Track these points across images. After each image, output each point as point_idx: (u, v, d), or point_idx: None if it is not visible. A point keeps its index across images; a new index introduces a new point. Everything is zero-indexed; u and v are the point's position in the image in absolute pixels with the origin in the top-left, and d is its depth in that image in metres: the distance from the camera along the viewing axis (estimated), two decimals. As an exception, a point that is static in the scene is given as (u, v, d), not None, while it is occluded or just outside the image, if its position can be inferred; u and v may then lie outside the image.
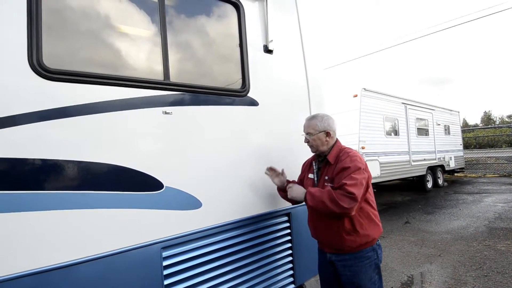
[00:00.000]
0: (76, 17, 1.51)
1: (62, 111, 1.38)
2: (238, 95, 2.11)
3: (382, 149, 6.81)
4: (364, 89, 6.74)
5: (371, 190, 1.87)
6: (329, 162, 1.90)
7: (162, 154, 1.71)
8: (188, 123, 1.83)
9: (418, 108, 8.77)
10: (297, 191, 1.88)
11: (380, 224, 1.90)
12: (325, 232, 1.88)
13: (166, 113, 1.73)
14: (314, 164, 2.05)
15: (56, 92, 1.38)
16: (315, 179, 1.98)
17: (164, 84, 1.74)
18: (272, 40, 2.35)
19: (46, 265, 1.30)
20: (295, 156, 2.49)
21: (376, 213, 1.89)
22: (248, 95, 2.18)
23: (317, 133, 1.93)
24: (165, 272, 1.66)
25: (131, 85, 1.60)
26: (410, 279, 3.37)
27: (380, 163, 6.75)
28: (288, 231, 2.38)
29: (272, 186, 2.26)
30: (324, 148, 1.93)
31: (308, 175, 2.08)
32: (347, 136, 6.65)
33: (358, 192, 1.65)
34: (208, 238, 1.87)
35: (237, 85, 2.15)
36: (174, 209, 1.72)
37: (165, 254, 1.67)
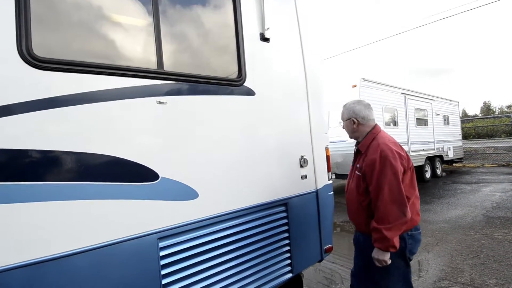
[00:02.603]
0: (66, 5, 1.47)
1: (53, 101, 1.36)
2: (234, 84, 2.08)
3: (381, 140, 6.80)
4: (363, 79, 6.69)
5: (408, 178, 1.83)
6: (359, 150, 1.95)
7: (157, 145, 1.69)
8: (183, 113, 1.80)
9: (417, 98, 8.73)
10: (378, 254, 1.72)
11: (416, 216, 1.86)
12: (352, 215, 2.02)
13: (160, 102, 1.70)
14: (355, 149, 2.08)
15: (47, 81, 1.35)
16: (352, 165, 2.06)
17: (157, 73, 1.71)
18: (268, 28, 2.30)
19: (40, 256, 1.29)
20: (293, 146, 2.47)
21: (414, 204, 1.86)
22: (245, 84, 2.15)
23: (345, 120, 2.03)
24: (162, 262, 1.66)
25: (124, 74, 1.57)
26: (407, 267, 3.39)
27: (379, 154, 6.74)
28: (286, 221, 2.38)
29: (269, 176, 2.26)
30: (356, 134, 1.99)
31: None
32: (346, 126, 6.64)
33: (397, 192, 1.67)
34: (205, 229, 1.87)
35: (233, 74, 2.12)
36: (170, 200, 1.71)
37: (161, 244, 1.67)
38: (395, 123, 7.74)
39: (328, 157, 2.82)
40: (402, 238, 1.77)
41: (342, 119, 2.07)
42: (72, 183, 1.38)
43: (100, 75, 1.50)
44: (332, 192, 2.85)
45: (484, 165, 12.83)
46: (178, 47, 1.87)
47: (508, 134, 13.35)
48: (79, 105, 1.42)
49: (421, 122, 8.91)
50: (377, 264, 1.74)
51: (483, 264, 3.30)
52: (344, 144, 6.57)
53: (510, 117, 12.99)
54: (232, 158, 2.03)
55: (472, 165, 13.15)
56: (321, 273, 3.51)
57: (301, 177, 2.53)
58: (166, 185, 1.69)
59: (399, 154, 1.77)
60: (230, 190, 2.01)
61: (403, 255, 1.80)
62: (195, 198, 1.82)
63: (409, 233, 1.82)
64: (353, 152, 2.12)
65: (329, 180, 2.81)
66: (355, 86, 6.61)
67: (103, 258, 1.47)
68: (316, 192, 2.64)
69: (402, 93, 7.98)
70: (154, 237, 1.65)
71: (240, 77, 2.12)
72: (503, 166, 12.02)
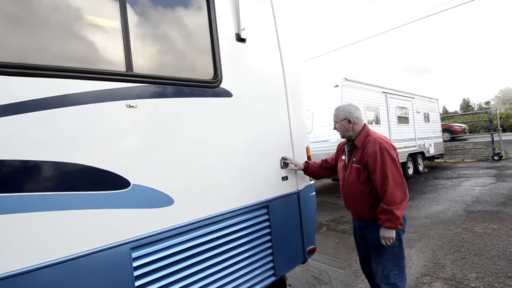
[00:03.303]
0: (27, 4, 1.38)
1: (11, 107, 1.27)
2: (209, 86, 2.03)
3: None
4: (345, 78, 6.75)
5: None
6: (356, 146, 2.18)
7: (128, 150, 1.61)
8: (155, 117, 1.74)
9: (398, 96, 8.90)
10: (388, 232, 1.97)
11: None
12: (353, 205, 2.24)
13: (130, 106, 1.63)
14: (346, 147, 2.33)
15: (5, 86, 1.26)
16: (346, 160, 2.29)
17: (126, 76, 1.64)
18: (244, 29, 2.27)
19: (5, 272, 1.20)
20: (273, 147, 2.44)
21: None
22: (221, 86, 2.10)
23: (340, 121, 2.24)
24: (136, 273, 1.59)
25: (89, 77, 1.49)
26: (391, 265, 3.41)
27: (362, 152, 6.82)
28: (267, 223, 2.34)
29: (249, 178, 2.22)
30: (349, 133, 2.23)
31: (341, 157, 2.40)
32: (329, 126, 6.67)
33: (399, 178, 1.98)
34: (181, 236, 1.80)
35: (209, 76, 2.07)
36: (143, 208, 1.64)
37: (134, 254, 1.60)
38: (377, 121, 7.86)
39: (309, 158, 2.80)
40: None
41: (337, 120, 2.27)
42: (34, 194, 1.30)
43: (61, 78, 1.41)
44: (314, 193, 2.83)
45: (464, 160, 13.21)
46: (148, 49, 1.80)
47: (487, 130, 13.78)
48: (38, 111, 1.33)
49: (403, 120, 9.08)
50: (385, 242, 1.98)
51: (464, 258, 3.36)
52: (328, 144, 6.61)
53: (488, 113, 13.42)
54: (209, 161, 1.98)
55: (452, 161, 13.52)
56: (309, 273, 3.49)
57: (282, 179, 2.50)
58: (138, 193, 1.62)
59: (393, 145, 2.10)
60: (208, 195, 1.96)
61: (398, 235, 2.04)
62: (170, 205, 1.75)
63: None
64: (341, 150, 2.40)
65: (310, 181, 2.79)
66: (337, 86, 6.66)
67: (72, 272, 1.38)
68: (298, 193, 2.62)
69: (383, 92, 8.11)
70: (126, 247, 1.57)
71: (216, 78, 2.07)
72: (482, 160, 12.41)
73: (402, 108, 9.15)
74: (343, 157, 2.35)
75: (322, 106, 6.96)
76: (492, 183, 7.34)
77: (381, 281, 2.09)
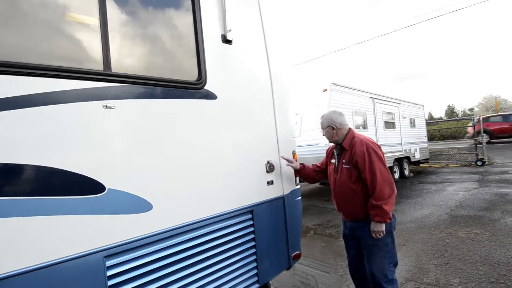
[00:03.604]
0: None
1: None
2: (193, 87, 1.98)
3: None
4: (334, 83, 6.79)
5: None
6: (344, 148, 2.30)
7: (104, 153, 1.53)
8: (134, 118, 1.66)
9: (385, 102, 9.01)
10: (377, 226, 2.08)
11: None
12: (345, 206, 2.32)
13: (107, 107, 1.56)
14: (334, 151, 2.45)
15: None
16: (336, 163, 2.40)
17: (104, 75, 1.57)
18: (230, 30, 2.22)
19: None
20: (258, 151, 2.39)
21: None
22: (205, 87, 2.04)
23: (325, 128, 2.37)
24: (110, 282, 1.51)
25: (63, 75, 1.42)
26: (376, 270, 3.41)
27: (350, 156, 6.85)
28: (252, 229, 2.29)
29: (233, 183, 2.16)
30: (336, 138, 2.35)
31: (330, 160, 2.50)
32: (318, 130, 6.68)
33: (386, 174, 2.10)
34: (161, 243, 1.73)
35: (193, 76, 2.01)
36: (118, 213, 1.56)
37: (109, 263, 1.52)
38: (364, 126, 7.93)
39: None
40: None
41: (322, 127, 2.40)
42: (3, 198, 1.21)
43: (33, 76, 1.33)
44: (300, 197, 2.80)
45: (449, 165, 13.48)
46: (129, 47, 1.73)
47: (470, 136, 14.12)
48: (4, 111, 1.25)
49: (389, 125, 9.20)
50: (375, 235, 2.09)
51: (447, 263, 3.38)
52: (317, 148, 6.62)
53: (472, 119, 13.76)
54: (191, 165, 1.91)
55: (437, 166, 13.77)
56: (296, 277, 3.45)
57: (268, 183, 2.45)
58: (114, 197, 1.54)
59: (378, 145, 2.23)
60: (190, 200, 1.89)
61: (390, 233, 2.15)
62: (148, 210, 1.68)
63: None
64: (330, 153, 2.53)
65: (296, 185, 2.75)
66: (325, 90, 6.69)
67: (41, 282, 1.30)
68: (283, 198, 2.57)
69: (370, 97, 8.20)
70: (100, 255, 1.49)
71: (200, 80, 2.02)
72: (466, 166, 12.69)
73: (389, 113, 9.27)
74: (333, 161, 2.44)
75: (311, 110, 6.98)
76: (475, 188, 7.49)
77: (381, 279, 2.14)
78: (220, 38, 2.19)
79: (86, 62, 1.53)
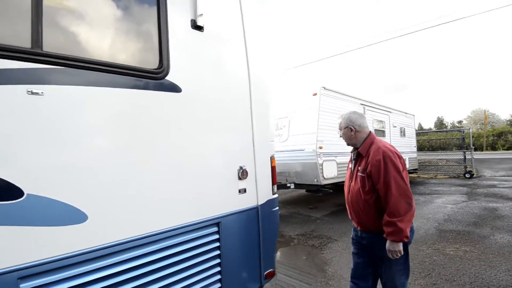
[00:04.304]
0: None
1: None
2: (151, 76, 1.68)
3: (340, 149, 6.68)
4: (324, 87, 6.57)
5: (405, 175, 1.95)
6: (361, 154, 2.10)
7: (23, 149, 1.23)
8: (69, 109, 1.36)
9: (376, 109, 8.85)
10: (393, 245, 1.85)
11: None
12: (358, 216, 2.11)
13: (32, 93, 1.26)
14: (352, 155, 2.26)
15: None
16: (352, 168, 2.19)
17: (31, 54, 1.27)
18: (202, 15, 1.94)
19: None
20: (230, 155, 2.11)
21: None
22: (167, 78, 1.76)
23: (343, 129, 2.19)
24: (22, 312, 1.20)
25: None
26: (359, 288, 3.14)
27: (338, 163, 6.62)
28: (217, 244, 2.00)
29: (197, 191, 1.88)
30: (354, 141, 2.16)
31: (349, 165, 2.29)
32: (306, 135, 6.44)
33: (403, 187, 1.85)
34: (98, 261, 1.43)
35: (152, 64, 1.72)
36: (41, 225, 1.26)
37: (24, 286, 1.21)
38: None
39: (273, 168, 2.49)
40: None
41: (340, 128, 2.22)
42: None
43: None
44: (277, 208, 2.52)
45: (437, 176, 13.43)
46: (68, 22, 1.43)
47: (459, 147, 14.12)
48: None
49: (379, 133, 9.02)
50: (392, 256, 1.86)
51: (434, 284, 3.14)
52: (303, 153, 6.37)
53: (462, 131, 13.77)
54: (142, 169, 1.61)
55: (426, 176, 13.72)
56: (277, 287, 3.18)
57: (239, 191, 2.17)
58: (35, 205, 1.24)
59: (398, 154, 1.98)
60: (138, 210, 1.59)
61: (405, 246, 1.93)
62: (82, 222, 1.37)
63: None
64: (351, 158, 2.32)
65: (273, 194, 2.47)
66: (315, 94, 6.46)
67: None
68: (257, 208, 2.29)
69: (361, 104, 8.01)
70: (13, 276, 1.19)
71: (161, 68, 1.73)
72: (454, 177, 12.65)
73: (380, 121, 9.11)
74: (350, 166, 2.26)
75: (300, 113, 6.74)
76: (464, 201, 7.34)
77: None
78: (189, 23, 1.91)
79: (7, 36, 1.23)
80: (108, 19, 1.58)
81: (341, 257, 4.02)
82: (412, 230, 2.00)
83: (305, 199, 8.59)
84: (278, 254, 4.37)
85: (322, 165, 6.16)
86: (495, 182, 10.33)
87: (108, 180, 1.47)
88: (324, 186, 6.38)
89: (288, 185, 6.67)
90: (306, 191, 8.95)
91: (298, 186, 6.79)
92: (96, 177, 1.42)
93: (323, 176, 6.19)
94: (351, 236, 2.32)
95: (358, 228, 2.16)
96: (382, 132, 9.22)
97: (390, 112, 9.88)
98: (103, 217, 1.44)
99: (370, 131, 2.17)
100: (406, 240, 1.82)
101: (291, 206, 7.68)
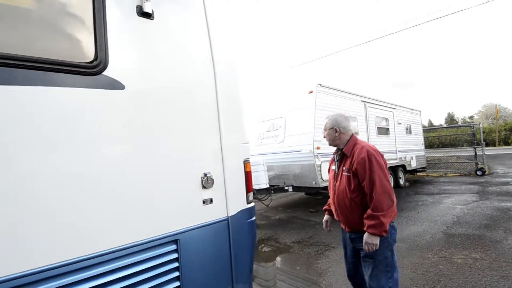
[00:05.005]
0: None
1: None
2: (82, 72, 1.42)
3: (340, 150, 6.36)
4: (320, 84, 6.25)
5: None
6: (345, 154, 2.19)
7: None
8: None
9: (378, 106, 8.47)
10: (371, 238, 1.93)
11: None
12: (344, 215, 2.18)
13: None
14: (335, 157, 2.33)
15: None
16: (336, 169, 2.29)
17: None
18: (149, 0, 1.68)
19: None
20: (190, 161, 1.83)
21: None
22: (105, 73, 1.49)
23: (328, 129, 2.29)
24: None
25: None
26: (354, 304, 2.82)
27: (338, 164, 6.29)
28: (175, 264, 1.72)
29: (148, 203, 1.61)
30: (337, 142, 2.25)
31: (331, 167, 2.39)
32: (302, 135, 6.13)
33: (386, 184, 1.96)
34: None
35: (85, 56, 1.46)
36: None
37: None
38: (355, 132, 7.38)
39: (248, 174, 2.20)
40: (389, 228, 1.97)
41: (325, 128, 2.32)
42: None
43: None
44: (253, 218, 2.23)
45: (447, 174, 12.93)
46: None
47: (470, 143, 13.58)
48: None
49: (383, 131, 8.64)
50: (368, 248, 1.95)
51: (439, 298, 2.80)
52: (300, 154, 6.05)
53: (472, 126, 13.25)
54: (76, 179, 1.35)
55: (435, 175, 13.21)
56: None
57: (203, 202, 1.89)
58: None
59: (381, 153, 2.10)
60: (71, 229, 1.32)
61: (389, 246, 2.02)
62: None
63: (391, 224, 2.03)
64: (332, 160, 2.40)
65: (248, 203, 2.18)
66: (311, 92, 6.14)
67: None
68: (227, 221, 2.01)
69: (362, 100, 7.65)
70: None
71: (96, 61, 1.47)
72: (465, 175, 12.13)
73: (383, 118, 8.72)
74: (333, 167, 2.35)
75: (295, 113, 6.44)
76: (474, 201, 6.91)
77: None
78: (134, 9, 1.64)
79: None
80: (25, 2, 1.33)
81: (337, 267, 3.70)
82: (394, 228, 2.08)
83: (305, 202, 8.25)
84: (273, 263, 4.08)
85: (320, 166, 5.84)
86: (509, 179, 9.81)
87: (34, 195, 1.20)
88: (323, 188, 6.05)
89: (286, 188, 6.38)
90: (305, 194, 8.62)
91: (296, 189, 6.49)
92: (15, 191, 1.16)
93: (321, 177, 5.88)
94: (341, 242, 2.38)
95: (346, 230, 2.23)
96: (386, 130, 8.83)
97: (395, 108, 9.48)
98: (35, 235, 1.18)
99: (352, 133, 2.28)
100: (384, 234, 1.92)
101: (291, 210, 7.36)
